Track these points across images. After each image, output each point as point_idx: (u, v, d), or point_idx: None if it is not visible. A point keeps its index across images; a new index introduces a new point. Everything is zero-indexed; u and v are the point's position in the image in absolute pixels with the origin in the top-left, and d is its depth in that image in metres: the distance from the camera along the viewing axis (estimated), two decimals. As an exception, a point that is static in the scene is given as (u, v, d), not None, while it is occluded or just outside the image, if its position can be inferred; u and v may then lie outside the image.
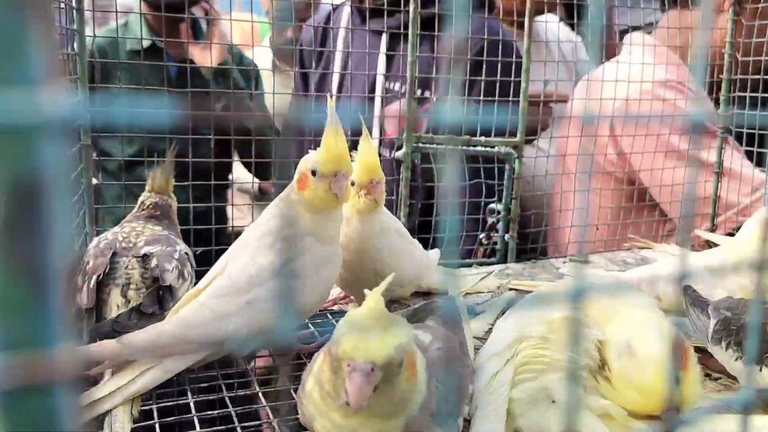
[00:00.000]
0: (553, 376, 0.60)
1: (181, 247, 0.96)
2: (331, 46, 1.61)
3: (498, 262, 1.39)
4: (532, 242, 1.54)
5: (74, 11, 1.05)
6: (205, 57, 1.65)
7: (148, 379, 0.76)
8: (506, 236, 1.39)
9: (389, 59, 1.50)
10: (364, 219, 1.01)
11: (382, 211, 1.05)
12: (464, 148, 1.33)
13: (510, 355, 0.64)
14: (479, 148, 1.34)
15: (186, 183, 1.18)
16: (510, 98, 1.35)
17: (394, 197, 1.29)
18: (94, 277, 0.85)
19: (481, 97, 1.36)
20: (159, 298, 0.84)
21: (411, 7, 1.23)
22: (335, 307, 1.13)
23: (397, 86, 1.51)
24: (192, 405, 0.80)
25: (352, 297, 1.15)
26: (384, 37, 1.51)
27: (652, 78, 1.46)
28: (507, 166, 1.37)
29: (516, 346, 0.65)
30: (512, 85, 1.36)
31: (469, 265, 1.36)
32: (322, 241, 0.89)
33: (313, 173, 0.86)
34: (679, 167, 1.45)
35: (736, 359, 0.77)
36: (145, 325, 0.78)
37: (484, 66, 1.35)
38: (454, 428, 0.58)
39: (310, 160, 0.87)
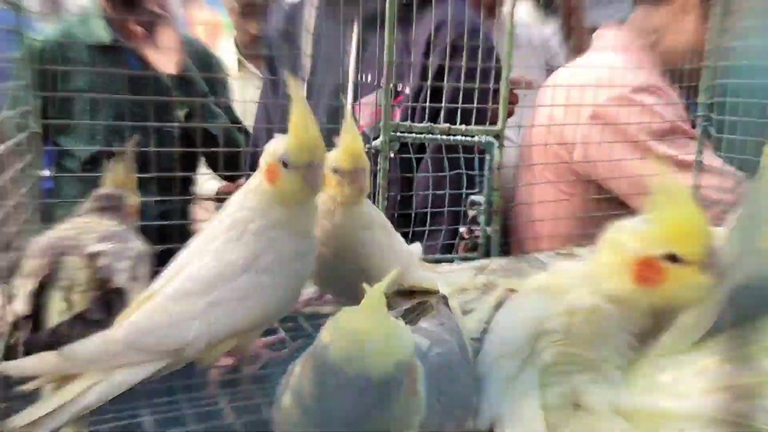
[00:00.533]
0: (585, 377, 0.52)
1: (137, 243, 0.86)
2: (298, 38, 1.52)
3: (481, 257, 1.31)
4: (511, 236, 1.48)
5: (16, 9, 0.95)
6: (163, 61, 1.55)
7: (95, 394, 0.66)
8: (488, 229, 1.31)
9: (360, 50, 1.42)
10: (348, 211, 0.92)
11: (366, 203, 0.96)
12: (443, 137, 1.24)
13: (526, 355, 0.55)
14: (459, 137, 1.26)
15: (147, 176, 1.08)
16: (478, 85, 1.27)
17: (371, 189, 1.20)
18: (30, 281, 0.74)
19: (462, 83, 1.28)
20: (107, 303, 0.74)
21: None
22: (307, 309, 1.03)
23: (369, 78, 1.43)
24: (148, 422, 0.70)
25: (328, 296, 1.06)
26: (356, 29, 1.42)
27: (624, 81, 1.40)
28: (487, 156, 1.29)
29: (532, 344, 0.56)
30: (480, 72, 1.28)
31: (451, 260, 1.28)
32: (295, 234, 0.80)
33: (284, 164, 0.77)
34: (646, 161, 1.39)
35: None
36: (91, 334, 0.68)
37: (465, 53, 1.27)
38: None
39: (278, 149, 0.78)
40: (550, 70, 1.86)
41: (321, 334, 0.42)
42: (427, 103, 1.27)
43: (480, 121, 1.29)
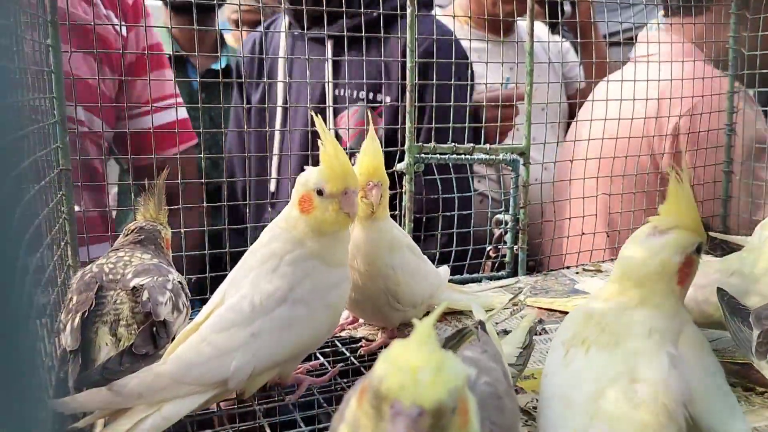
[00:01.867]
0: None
1: (174, 276, 0.88)
2: (270, 61, 1.53)
3: (508, 276, 1.32)
4: (537, 254, 1.47)
5: (48, 24, 0.97)
6: None
7: (146, 428, 0.67)
8: (515, 247, 1.32)
9: (336, 66, 1.43)
10: (370, 230, 0.93)
11: (391, 225, 0.98)
12: (468, 156, 1.26)
13: (593, 411, 0.56)
14: (483, 156, 1.27)
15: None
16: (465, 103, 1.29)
17: (397, 212, 1.22)
18: (79, 315, 0.76)
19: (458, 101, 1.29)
20: (153, 335, 0.75)
21: (410, 11, 1.16)
22: (343, 333, 1.04)
23: (348, 93, 1.44)
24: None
25: (361, 320, 1.07)
26: (329, 44, 1.44)
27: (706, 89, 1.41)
28: (513, 174, 1.30)
29: (597, 402, 0.58)
30: (458, 88, 1.29)
31: (479, 280, 1.28)
32: (329, 264, 0.81)
33: (319, 193, 0.79)
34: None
35: None
36: (139, 367, 0.70)
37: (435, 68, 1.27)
38: None
39: (311, 179, 0.80)
40: (567, 82, 1.87)
41: (375, 366, 0.43)
42: (466, 124, 1.29)
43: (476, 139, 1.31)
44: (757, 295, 0.89)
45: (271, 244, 0.82)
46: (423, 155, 1.22)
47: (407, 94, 1.20)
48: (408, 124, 1.20)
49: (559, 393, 0.61)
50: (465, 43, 1.47)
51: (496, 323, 1.03)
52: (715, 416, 0.59)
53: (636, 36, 1.64)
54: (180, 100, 1.39)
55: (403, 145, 1.23)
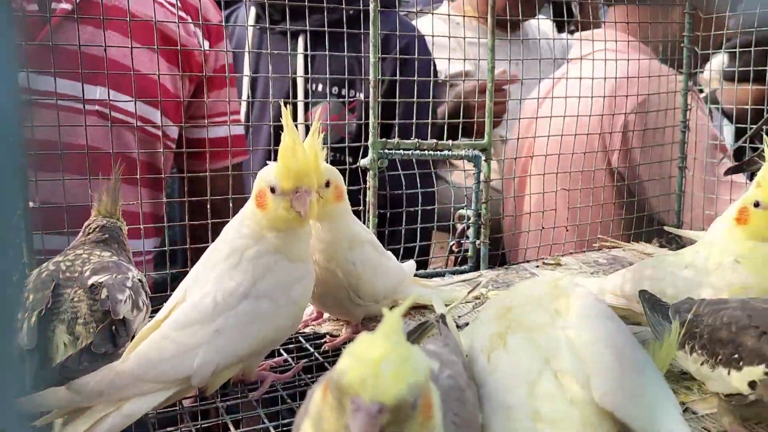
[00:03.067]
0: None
1: (134, 273, 0.86)
2: (235, 53, 1.51)
3: (471, 270, 1.33)
4: (499, 248, 1.50)
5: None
6: None
7: (106, 426, 0.66)
8: (477, 242, 1.34)
9: (308, 61, 1.43)
10: (330, 227, 0.93)
11: (352, 221, 0.98)
12: (431, 152, 1.27)
13: (532, 415, 0.57)
14: (446, 152, 1.28)
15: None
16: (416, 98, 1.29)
17: (361, 207, 1.22)
18: (35, 314, 0.74)
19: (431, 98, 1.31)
20: (112, 333, 0.74)
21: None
22: (307, 329, 1.04)
23: (320, 88, 1.44)
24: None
25: (326, 316, 1.08)
26: (301, 39, 1.44)
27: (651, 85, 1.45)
28: (475, 170, 1.32)
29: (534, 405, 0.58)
30: (422, 84, 1.30)
31: (442, 275, 1.30)
32: (291, 259, 0.81)
33: (272, 190, 0.78)
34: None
35: (702, 363, 0.72)
36: (98, 366, 0.69)
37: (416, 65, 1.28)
38: None
39: (268, 174, 0.79)
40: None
41: (339, 360, 0.43)
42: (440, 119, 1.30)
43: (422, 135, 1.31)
44: (709, 287, 0.92)
45: (233, 240, 0.81)
46: (387, 151, 1.23)
47: (371, 90, 1.20)
48: (372, 120, 1.21)
49: (496, 404, 0.60)
50: (470, 38, 1.47)
51: (459, 317, 1.04)
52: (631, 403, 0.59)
53: None
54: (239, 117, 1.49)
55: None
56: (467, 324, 1.01)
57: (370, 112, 1.21)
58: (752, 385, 0.66)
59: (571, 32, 1.94)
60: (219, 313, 0.75)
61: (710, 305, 0.76)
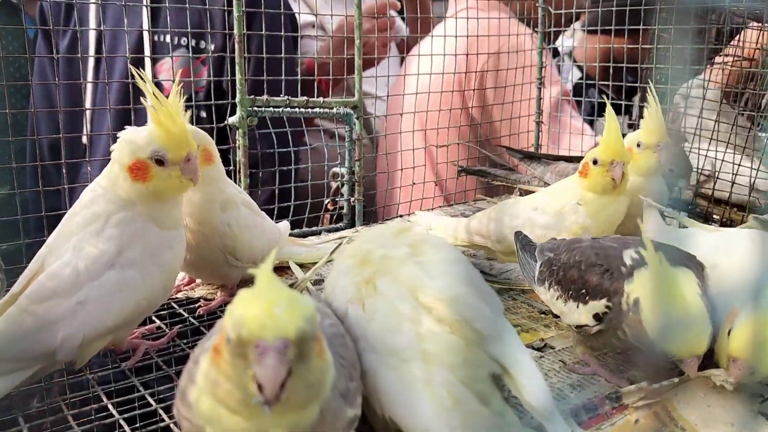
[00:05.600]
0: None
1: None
2: (80, 5, 1.39)
3: (346, 227, 1.35)
4: (373, 205, 1.53)
5: None
6: None
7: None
8: (352, 199, 1.35)
9: (154, 12, 1.34)
10: (202, 190, 0.90)
11: (225, 183, 0.96)
12: (302, 110, 1.25)
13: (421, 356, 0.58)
14: (317, 110, 1.28)
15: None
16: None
17: (231, 167, 1.19)
18: None
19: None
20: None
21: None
22: (180, 295, 1.01)
23: (167, 39, 1.36)
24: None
25: (198, 281, 1.05)
26: None
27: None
28: (347, 128, 1.33)
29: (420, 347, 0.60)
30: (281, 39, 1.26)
31: (318, 233, 1.30)
32: (161, 225, 0.78)
33: (159, 162, 0.74)
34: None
35: (557, 298, 0.80)
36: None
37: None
38: (359, 407, 0.53)
39: (145, 146, 0.74)
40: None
41: (226, 319, 0.43)
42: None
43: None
44: (554, 228, 1.01)
45: (93, 205, 0.76)
46: (256, 108, 1.20)
47: (236, 45, 1.16)
48: (238, 76, 1.17)
49: (382, 349, 0.60)
50: None
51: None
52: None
53: None
54: None
55: (233, 97, 1.19)
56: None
57: (236, 68, 1.16)
58: (596, 317, 0.73)
59: None
60: (82, 283, 0.71)
61: (567, 244, 0.83)
